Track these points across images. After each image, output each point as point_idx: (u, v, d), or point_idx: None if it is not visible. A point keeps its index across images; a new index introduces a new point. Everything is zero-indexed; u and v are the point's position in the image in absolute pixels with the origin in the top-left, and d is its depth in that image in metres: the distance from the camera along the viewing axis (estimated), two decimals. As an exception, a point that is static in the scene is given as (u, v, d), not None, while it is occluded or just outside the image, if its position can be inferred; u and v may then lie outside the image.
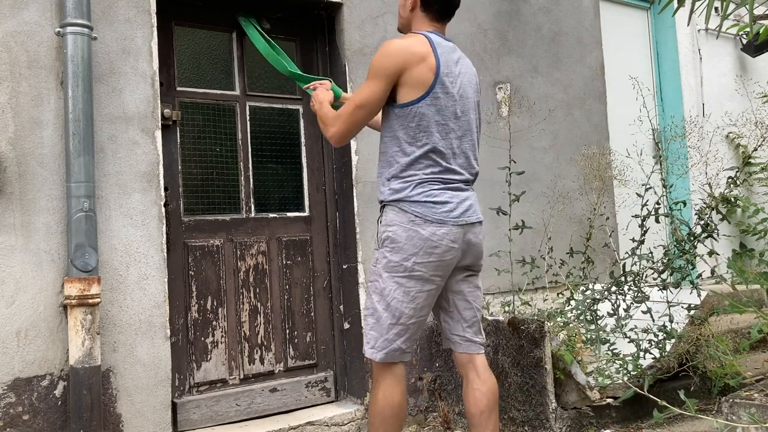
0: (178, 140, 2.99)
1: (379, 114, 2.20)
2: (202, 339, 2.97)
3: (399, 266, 2.05)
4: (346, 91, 3.13)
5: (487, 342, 3.12)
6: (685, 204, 3.48)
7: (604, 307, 3.47)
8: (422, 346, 3.32)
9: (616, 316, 3.34)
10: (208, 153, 3.09)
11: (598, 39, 4.43)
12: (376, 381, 2.12)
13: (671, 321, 3.24)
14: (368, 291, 2.17)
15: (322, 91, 2.33)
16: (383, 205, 2.14)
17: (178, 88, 3.02)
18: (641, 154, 4.29)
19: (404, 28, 2.26)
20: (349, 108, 2.10)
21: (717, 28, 3.31)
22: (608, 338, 3.25)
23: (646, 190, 3.49)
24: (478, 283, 2.24)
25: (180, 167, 2.99)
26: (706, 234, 3.42)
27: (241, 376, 3.06)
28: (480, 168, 2.31)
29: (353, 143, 3.22)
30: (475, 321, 2.21)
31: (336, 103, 2.35)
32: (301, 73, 2.97)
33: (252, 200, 3.18)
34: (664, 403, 2.62)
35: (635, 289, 3.41)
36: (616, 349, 3.22)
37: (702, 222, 3.44)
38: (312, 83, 2.54)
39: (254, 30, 3.09)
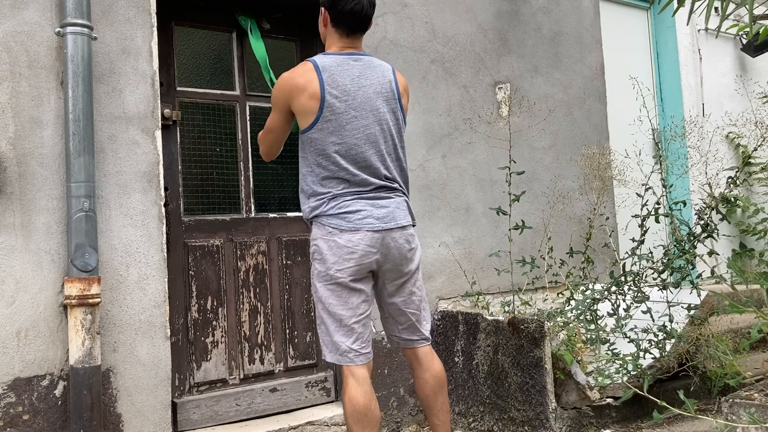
0: (178, 140, 2.99)
1: None
2: (202, 339, 2.97)
3: (326, 275, 2.20)
4: None
5: (488, 342, 3.13)
6: (685, 204, 3.48)
7: (604, 307, 3.47)
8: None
9: (616, 316, 3.34)
10: (208, 153, 3.09)
11: (598, 39, 4.43)
12: (343, 386, 2.22)
13: (671, 321, 3.24)
14: (313, 302, 2.33)
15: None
16: (309, 221, 2.29)
17: (178, 88, 3.02)
18: (641, 154, 4.29)
19: (323, 41, 2.38)
20: (263, 134, 2.39)
21: (717, 28, 3.31)
22: (608, 338, 3.25)
23: (646, 190, 3.49)
24: (412, 289, 2.34)
25: (180, 167, 2.99)
26: (706, 234, 3.42)
27: (241, 376, 3.06)
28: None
29: (353, 143, 3.22)
30: (410, 324, 2.35)
31: None
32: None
33: (252, 200, 3.18)
34: (664, 403, 2.62)
35: (635, 289, 3.41)
36: (616, 349, 3.22)
37: (702, 222, 3.44)
38: None
39: (252, 31, 3.09)
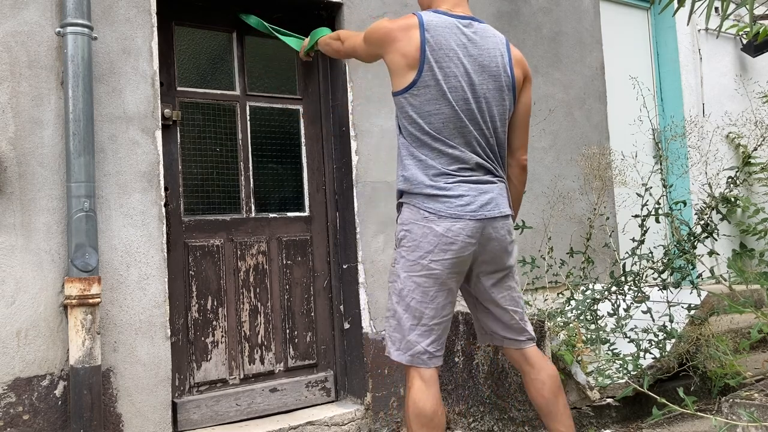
0: (179, 140, 2.99)
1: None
2: (203, 339, 2.97)
3: (417, 264, 1.98)
4: (346, 94, 3.23)
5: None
6: (685, 204, 3.48)
7: (604, 307, 3.48)
8: (422, 346, 3.32)
9: (616, 316, 3.34)
10: (208, 153, 3.09)
11: (598, 39, 4.43)
12: (407, 387, 2.03)
13: (671, 321, 3.24)
14: (388, 292, 2.10)
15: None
16: (399, 203, 2.10)
17: (179, 88, 3.02)
18: (641, 154, 4.29)
19: (423, 6, 2.20)
20: (348, 44, 2.36)
21: (717, 29, 3.31)
22: (608, 338, 3.25)
23: (646, 190, 3.49)
24: (510, 284, 2.14)
25: (180, 167, 2.99)
26: (706, 234, 3.42)
27: (242, 376, 3.06)
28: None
29: (353, 143, 3.22)
30: (513, 323, 2.15)
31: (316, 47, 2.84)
32: (302, 38, 3.05)
33: (252, 200, 3.18)
34: (664, 400, 2.62)
35: (635, 289, 3.41)
36: (616, 349, 3.23)
37: (702, 222, 3.45)
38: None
39: (256, 19, 3.09)
